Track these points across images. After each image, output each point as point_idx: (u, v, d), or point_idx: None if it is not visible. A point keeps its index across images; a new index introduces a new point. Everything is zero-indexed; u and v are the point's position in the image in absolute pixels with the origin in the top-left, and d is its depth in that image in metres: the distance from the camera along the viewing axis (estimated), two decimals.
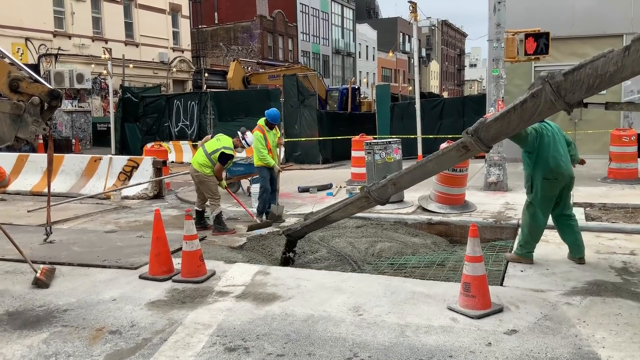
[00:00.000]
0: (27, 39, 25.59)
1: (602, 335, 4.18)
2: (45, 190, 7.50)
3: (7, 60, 6.14)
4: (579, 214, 8.44)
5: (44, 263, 6.33)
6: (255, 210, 9.17)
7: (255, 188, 10.20)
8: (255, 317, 4.72)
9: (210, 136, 8.70)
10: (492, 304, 4.68)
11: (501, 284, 5.53)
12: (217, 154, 8.10)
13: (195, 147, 18.07)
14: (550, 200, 5.99)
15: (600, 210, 8.81)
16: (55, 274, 5.96)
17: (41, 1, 26.26)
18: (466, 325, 4.40)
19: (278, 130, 9.44)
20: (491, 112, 10.47)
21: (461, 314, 4.60)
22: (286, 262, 6.89)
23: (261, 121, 9.13)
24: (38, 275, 5.65)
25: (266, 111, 9.20)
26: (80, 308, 5.03)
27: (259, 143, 8.80)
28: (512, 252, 6.34)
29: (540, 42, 10.89)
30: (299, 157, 18.40)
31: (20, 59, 23.89)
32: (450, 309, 4.71)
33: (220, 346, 4.17)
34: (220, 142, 8.23)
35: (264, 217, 8.89)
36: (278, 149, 9.44)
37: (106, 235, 8.00)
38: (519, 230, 6.36)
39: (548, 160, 5.86)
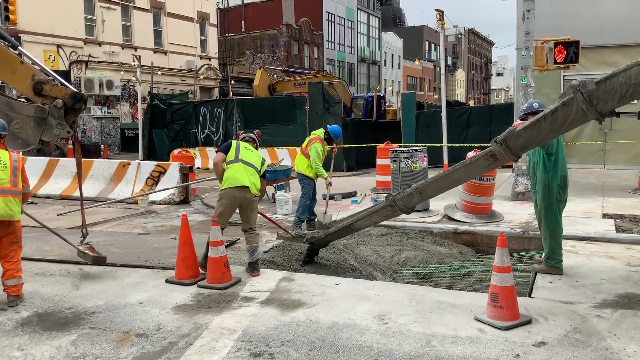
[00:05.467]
0: (58, 46, 26.14)
1: (633, 349, 4.08)
2: (75, 194, 7.63)
3: (29, 62, 6.25)
4: (609, 225, 8.31)
5: (86, 264, 6.47)
6: (280, 216, 9.18)
7: (281, 195, 10.24)
8: (280, 323, 4.72)
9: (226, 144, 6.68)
10: (520, 315, 4.60)
11: (529, 295, 5.45)
12: (264, 167, 6.58)
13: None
14: (562, 205, 6.11)
15: (631, 222, 8.62)
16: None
17: (73, 9, 26.82)
18: (493, 337, 4.34)
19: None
20: (519, 121, 10.34)
21: (488, 324, 4.54)
22: (308, 262, 6.89)
23: (320, 133, 9.03)
24: (92, 254, 5.99)
25: (330, 127, 9.18)
26: (108, 311, 5.09)
27: (317, 155, 8.73)
28: (541, 263, 6.25)
29: (570, 51, 10.72)
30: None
31: (52, 66, 24.43)
32: (477, 320, 4.65)
33: (245, 351, 4.18)
34: (254, 152, 6.53)
35: (303, 226, 8.82)
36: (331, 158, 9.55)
37: (141, 237, 8.11)
38: (543, 242, 6.28)
39: (563, 165, 6.01)
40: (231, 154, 6.34)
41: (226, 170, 6.27)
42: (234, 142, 6.48)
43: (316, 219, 8.70)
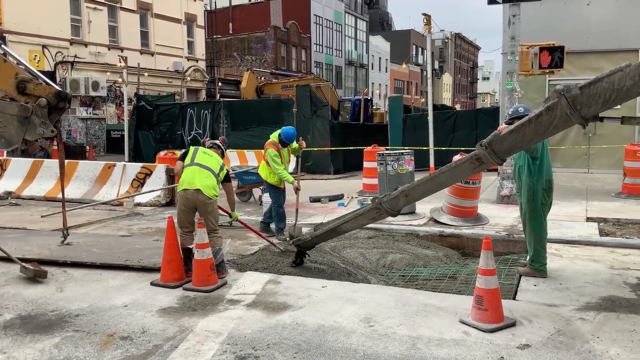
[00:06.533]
0: (44, 46, 25.88)
1: (616, 351, 4.13)
2: (59, 195, 7.55)
3: (14, 62, 6.19)
4: (592, 228, 8.40)
5: (65, 263, 6.48)
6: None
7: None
8: (265, 326, 4.71)
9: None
10: (505, 317, 4.64)
11: (514, 298, 5.49)
12: (224, 172, 6.51)
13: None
14: (547, 208, 6.16)
15: (614, 226, 8.72)
16: (63, 278, 6.03)
17: (59, 9, 26.58)
18: (478, 339, 4.36)
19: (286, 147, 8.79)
20: (505, 125, 10.43)
21: (473, 327, 4.56)
22: (297, 264, 6.87)
23: (275, 137, 8.58)
24: (33, 268, 5.88)
25: (283, 128, 8.67)
26: (92, 313, 5.05)
27: (274, 160, 8.29)
28: (525, 266, 6.30)
29: (555, 56, 10.83)
30: (311, 167, 18.43)
31: (37, 66, 24.17)
32: (462, 322, 4.68)
33: (231, 354, 4.16)
34: (213, 157, 6.48)
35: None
36: (296, 158, 9.01)
37: (123, 239, 8.06)
38: (527, 246, 6.34)
39: (548, 169, 6.06)
40: (187, 159, 6.38)
41: (183, 172, 6.29)
42: (192, 148, 6.51)
43: (284, 230, 8.22)
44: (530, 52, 10.94)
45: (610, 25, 14.90)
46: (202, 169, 6.22)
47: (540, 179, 6.01)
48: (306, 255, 7.03)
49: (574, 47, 13.66)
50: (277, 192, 8.55)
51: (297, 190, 8.33)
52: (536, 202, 6.04)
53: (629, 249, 7.25)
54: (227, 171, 6.58)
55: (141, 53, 31.39)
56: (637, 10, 14.80)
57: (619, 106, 4.78)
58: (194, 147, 6.55)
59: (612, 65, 4.42)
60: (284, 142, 8.55)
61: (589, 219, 9.09)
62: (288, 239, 7.71)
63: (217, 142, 6.87)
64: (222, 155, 6.70)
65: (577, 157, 15.64)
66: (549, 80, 15.19)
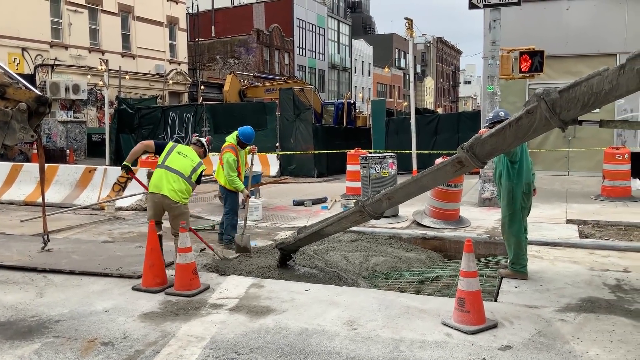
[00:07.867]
0: (23, 49, 25.57)
1: (595, 352, 4.18)
2: (39, 200, 7.46)
3: None
4: (572, 230, 8.50)
5: (44, 270, 6.35)
6: (249, 222, 9.14)
7: (251, 201, 10.16)
8: (249, 330, 4.70)
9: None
10: (487, 319, 4.67)
11: (495, 300, 5.54)
12: (197, 174, 6.45)
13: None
14: (527, 211, 6.24)
15: (593, 228, 8.84)
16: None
17: (38, 12, 26.28)
18: (460, 341, 4.39)
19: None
20: (486, 129, 10.52)
21: (455, 329, 4.59)
22: (282, 267, 6.84)
23: (232, 139, 8.21)
24: None
25: (240, 129, 8.25)
26: (73, 319, 4.99)
27: (230, 167, 7.95)
28: (506, 268, 6.35)
29: (535, 60, 10.96)
30: (294, 171, 18.43)
31: (17, 69, 23.87)
32: (445, 324, 4.70)
33: (214, 359, 4.14)
34: (188, 157, 6.42)
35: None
36: (250, 159, 8.71)
37: (104, 245, 7.97)
38: (507, 248, 6.41)
39: (528, 172, 6.14)
40: (160, 158, 6.34)
41: (153, 173, 6.29)
42: (169, 145, 6.47)
43: (234, 239, 7.72)
44: (510, 56, 11.06)
45: (589, 30, 15.12)
46: (171, 172, 6.20)
47: (520, 183, 6.07)
48: (289, 259, 7.02)
49: (553, 52, 13.83)
50: (236, 199, 8.26)
51: (247, 197, 8.24)
52: (515, 206, 6.10)
53: (608, 251, 7.35)
54: (201, 173, 6.51)
55: (122, 56, 31.14)
56: (615, 15, 15.04)
57: (597, 110, 4.85)
58: (171, 144, 6.50)
59: (590, 70, 4.48)
60: (242, 143, 8.24)
61: (569, 221, 9.21)
62: (235, 250, 7.57)
63: (202, 139, 6.84)
64: (204, 155, 6.68)
65: (557, 160, 15.83)
66: (529, 84, 15.36)
